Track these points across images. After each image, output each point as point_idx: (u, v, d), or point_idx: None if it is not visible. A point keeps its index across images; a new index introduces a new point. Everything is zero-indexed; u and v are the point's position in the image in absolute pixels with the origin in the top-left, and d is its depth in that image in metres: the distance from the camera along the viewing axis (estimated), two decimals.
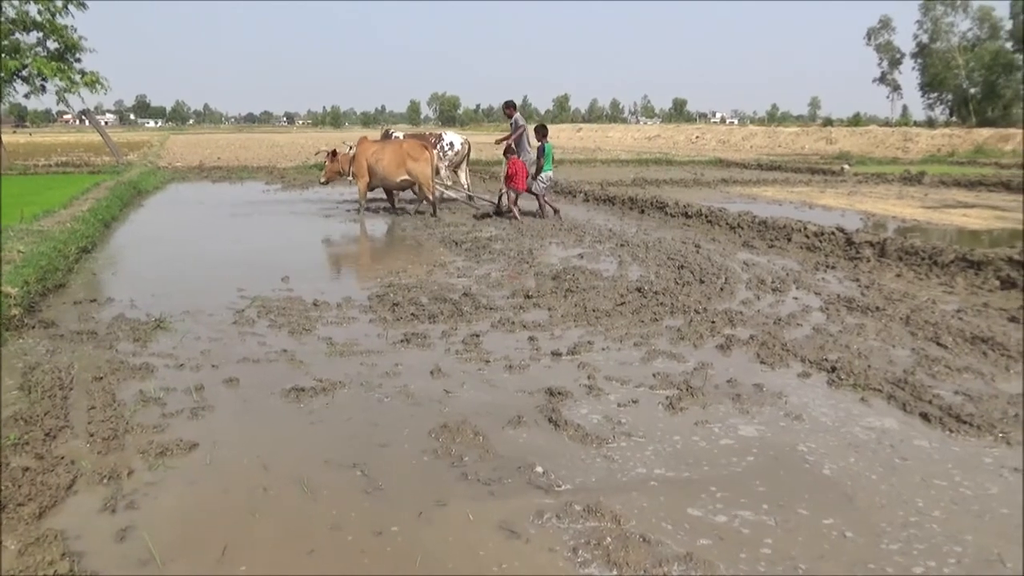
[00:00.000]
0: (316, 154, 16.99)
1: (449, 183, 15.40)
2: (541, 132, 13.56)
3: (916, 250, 8.91)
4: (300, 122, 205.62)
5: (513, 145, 14.02)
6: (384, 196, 14.81)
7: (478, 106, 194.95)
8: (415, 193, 14.34)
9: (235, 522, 3.16)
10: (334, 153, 14.22)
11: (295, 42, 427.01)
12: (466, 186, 15.67)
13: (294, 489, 3.44)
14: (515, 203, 13.17)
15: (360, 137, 14.52)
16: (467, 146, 15.67)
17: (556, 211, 13.62)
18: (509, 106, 14.77)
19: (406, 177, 13.52)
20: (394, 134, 15.05)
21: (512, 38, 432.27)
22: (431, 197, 13.54)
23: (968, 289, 7.71)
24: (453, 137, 15.61)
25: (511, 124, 14.39)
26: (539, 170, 13.39)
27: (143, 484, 3.47)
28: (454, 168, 15.64)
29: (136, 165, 25.11)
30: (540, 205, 13.50)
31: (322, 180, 14.76)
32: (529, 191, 13.38)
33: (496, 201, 13.89)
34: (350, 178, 14.11)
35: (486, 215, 13.60)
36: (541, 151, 13.39)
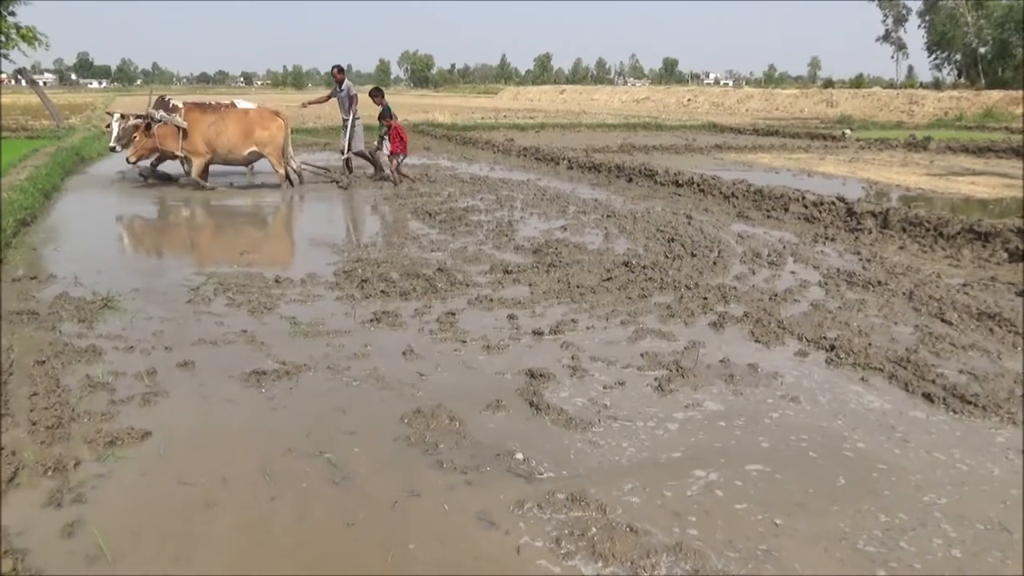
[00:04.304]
0: (107, 127, 13.80)
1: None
2: (378, 94, 14.03)
3: (920, 221, 9.00)
4: (259, 83, 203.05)
5: (344, 110, 14.28)
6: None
7: (453, 66, 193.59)
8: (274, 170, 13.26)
9: (192, 515, 3.15)
10: (148, 127, 12.46)
11: None
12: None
13: (256, 480, 3.43)
14: (399, 168, 13.65)
15: (186, 105, 12.91)
16: None
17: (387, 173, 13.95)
18: (340, 71, 14.62)
19: (254, 149, 12.80)
20: (172, 101, 13.19)
21: None
22: (282, 171, 13.02)
23: (975, 262, 7.81)
24: (247, 106, 14.28)
25: (343, 90, 14.34)
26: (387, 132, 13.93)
27: (91, 476, 3.45)
28: None
29: (78, 129, 24.66)
30: (380, 166, 14.12)
31: (131, 159, 12.74)
32: (364, 155, 14.04)
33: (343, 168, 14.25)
34: (181, 154, 12.66)
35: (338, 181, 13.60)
36: (388, 113, 13.79)
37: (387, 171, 13.80)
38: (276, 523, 3.10)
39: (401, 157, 13.65)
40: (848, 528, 3.09)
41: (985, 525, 3.12)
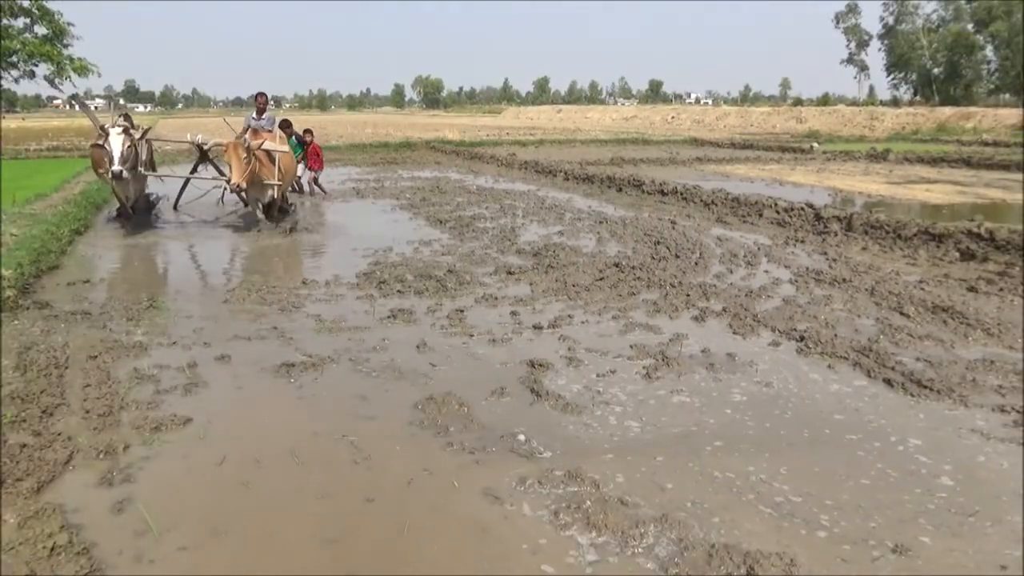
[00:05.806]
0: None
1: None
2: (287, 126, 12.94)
3: (881, 224, 8.97)
4: (287, 105, 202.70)
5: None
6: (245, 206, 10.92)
7: (461, 88, 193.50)
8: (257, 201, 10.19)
9: (229, 493, 3.15)
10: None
11: (280, 24, 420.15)
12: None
13: (286, 460, 3.43)
14: (315, 181, 13.89)
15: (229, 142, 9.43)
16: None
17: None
18: (264, 100, 11.95)
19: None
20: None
21: (494, 15, 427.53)
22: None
23: (930, 261, 7.79)
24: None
25: (263, 119, 11.49)
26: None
27: (139, 458, 3.45)
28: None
29: None
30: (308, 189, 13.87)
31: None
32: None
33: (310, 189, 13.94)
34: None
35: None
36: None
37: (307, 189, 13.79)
38: (303, 499, 3.10)
39: (313, 172, 13.89)
40: (787, 472, 3.08)
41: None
